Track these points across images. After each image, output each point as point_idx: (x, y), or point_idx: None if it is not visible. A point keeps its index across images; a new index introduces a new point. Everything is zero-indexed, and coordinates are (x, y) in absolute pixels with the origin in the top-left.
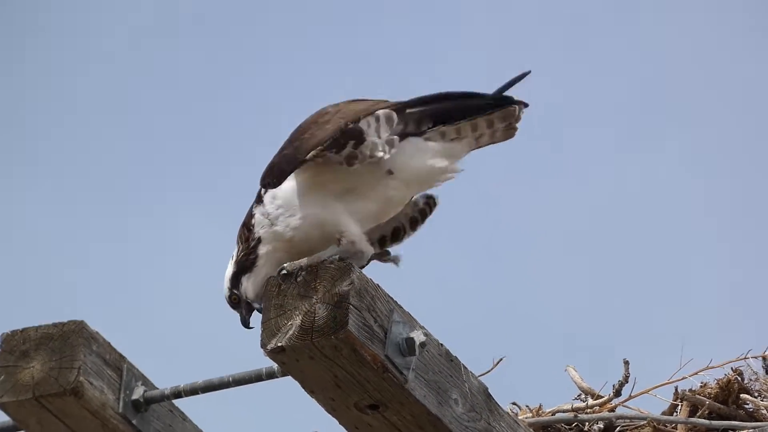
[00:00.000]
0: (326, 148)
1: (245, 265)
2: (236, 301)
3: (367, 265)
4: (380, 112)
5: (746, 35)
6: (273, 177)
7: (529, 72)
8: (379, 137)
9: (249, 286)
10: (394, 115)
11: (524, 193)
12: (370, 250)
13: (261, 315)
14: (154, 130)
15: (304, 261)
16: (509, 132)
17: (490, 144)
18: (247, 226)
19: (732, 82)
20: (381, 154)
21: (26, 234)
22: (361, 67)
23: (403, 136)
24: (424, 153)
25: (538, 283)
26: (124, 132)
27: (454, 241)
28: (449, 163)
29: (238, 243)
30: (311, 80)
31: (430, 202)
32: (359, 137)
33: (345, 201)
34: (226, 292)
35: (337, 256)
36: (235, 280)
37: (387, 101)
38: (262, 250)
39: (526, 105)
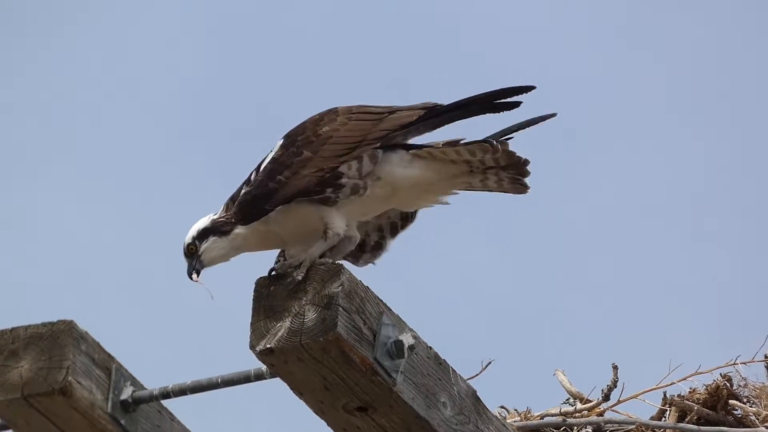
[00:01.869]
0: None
1: (220, 229)
2: (192, 251)
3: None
4: (365, 155)
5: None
6: (243, 216)
7: (555, 114)
8: (361, 177)
9: (211, 246)
10: (380, 153)
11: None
12: (357, 235)
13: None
14: None
15: (294, 261)
16: (518, 186)
17: (499, 191)
18: (234, 200)
19: None
20: (362, 191)
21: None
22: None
23: (393, 147)
24: (410, 167)
25: (528, 286)
26: None
27: (443, 244)
28: (436, 179)
29: (222, 209)
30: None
31: (408, 215)
32: (336, 182)
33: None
34: (188, 239)
35: (330, 260)
36: (203, 234)
37: (389, 113)
38: (239, 230)
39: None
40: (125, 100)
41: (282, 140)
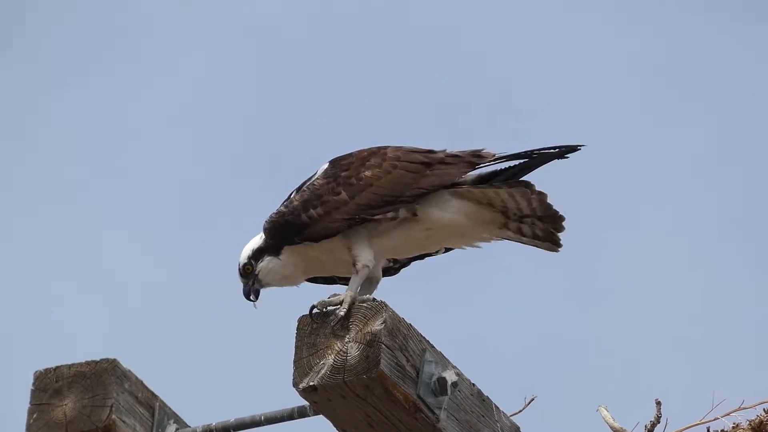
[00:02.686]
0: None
1: (271, 248)
2: (249, 271)
3: None
4: (402, 208)
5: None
6: (271, 237)
7: (580, 147)
8: (396, 217)
9: (267, 266)
10: (415, 207)
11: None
12: (380, 277)
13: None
14: None
15: (334, 298)
16: (552, 240)
17: (533, 243)
18: None
19: None
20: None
21: None
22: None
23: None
24: (450, 208)
25: (571, 321)
26: None
27: (488, 278)
28: (471, 224)
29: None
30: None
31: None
32: (370, 221)
33: (368, 228)
34: (244, 260)
35: (371, 296)
36: (258, 254)
37: (436, 164)
38: (284, 254)
39: (574, 149)
40: (179, 139)
41: (327, 165)
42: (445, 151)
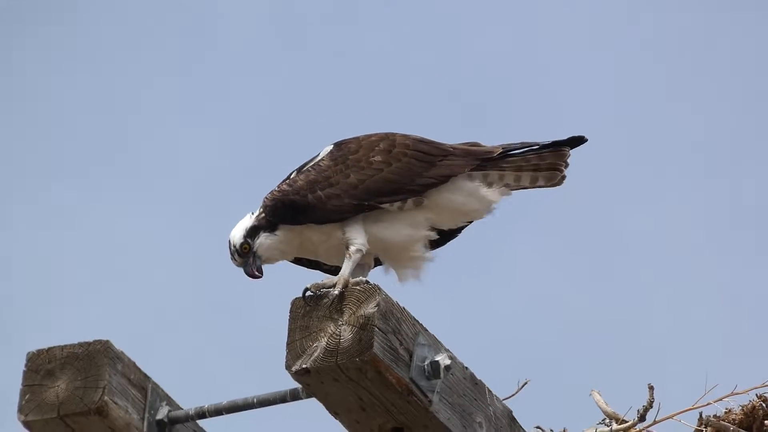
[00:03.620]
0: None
1: (266, 225)
2: (246, 250)
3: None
4: (410, 198)
5: None
6: (273, 214)
7: (586, 140)
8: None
9: (264, 242)
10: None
11: None
12: (371, 264)
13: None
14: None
15: (327, 281)
16: (554, 174)
17: (534, 188)
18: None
19: None
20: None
21: None
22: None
23: None
24: (456, 190)
25: (563, 306)
26: None
27: (470, 265)
28: (480, 205)
29: (260, 210)
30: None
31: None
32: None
33: (370, 217)
34: (239, 239)
35: (363, 278)
36: (253, 232)
37: (443, 158)
38: (280, 230)
39: (581, 142)
40: (213, 138)
41: (332, 148)
42: (449, 144)
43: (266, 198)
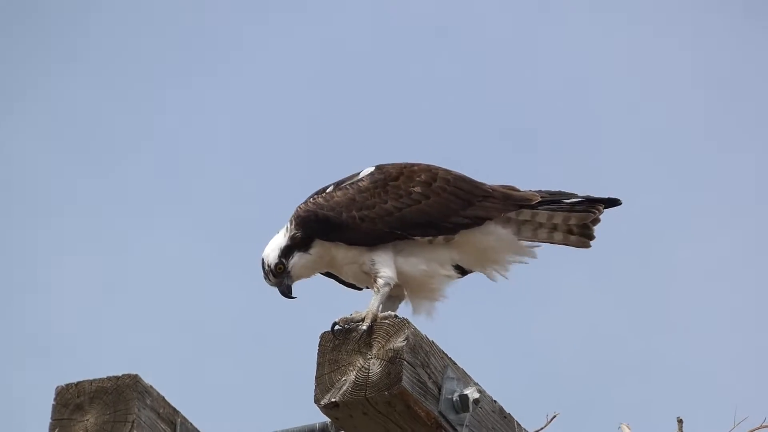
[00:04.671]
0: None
1: (300, 243)
2: (281, 270)
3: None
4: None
5: None
6: (304, 226)
7: (620, 203)
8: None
9: (298, 261)
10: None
11: None
12: (403, 296)
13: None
14: None
15: (355, 315)
16: (584, 241)
17: (563, 244)
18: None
19: None
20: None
21: None
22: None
23: None
24: (491, 236)
25: (591, 340)
26: None
27: (511, 289)
28: (507, 252)
29: (291, 224)
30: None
31: None
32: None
33: (397, 247)
34: (274, 259)
35: (392, 312)
36: (287, 252)
37: (482, 198)
38: (314, 247)
39: (616, 204)
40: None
41: (373, 171)
42: (488, 185)
43: (299, 209)
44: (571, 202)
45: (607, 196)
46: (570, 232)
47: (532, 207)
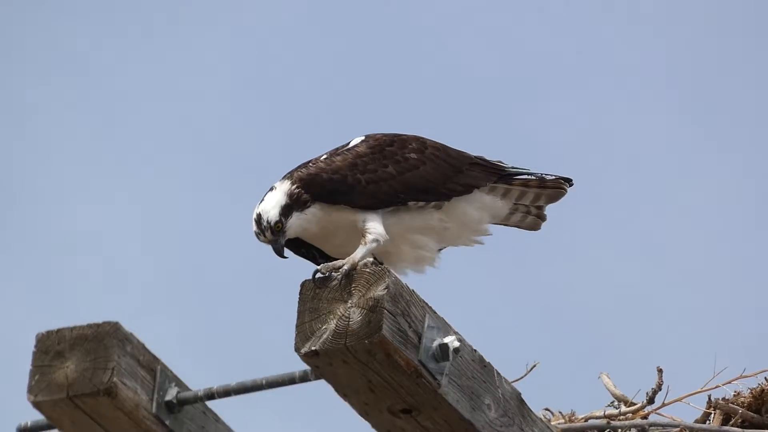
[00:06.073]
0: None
1: (298, 202)
2: (279, 228)
3: None
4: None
5: None
6: (312, 190)
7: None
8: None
9: (295, 222)
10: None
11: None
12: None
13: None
14: None
15: (337, 263)
16: (537, 222)
17: (516, 226)
18: (299, 176)
19: None
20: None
21: None
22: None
23: None
24: (474, 202)
25: (573, 290)
26: None
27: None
28: (489, 218)
29: (289, 180)
30: None
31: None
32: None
33: (390, 212)
34: (275, 217)
35: (371, 260)
36: (287, 210)
37: (468, 166)
38: (315, 208)
39: (571, 184)
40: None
41: (363, 139)
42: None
43: (301, 172)
44: (539, 178)
45: (559, 175)
46: (528, 212)
47: (507, 178)
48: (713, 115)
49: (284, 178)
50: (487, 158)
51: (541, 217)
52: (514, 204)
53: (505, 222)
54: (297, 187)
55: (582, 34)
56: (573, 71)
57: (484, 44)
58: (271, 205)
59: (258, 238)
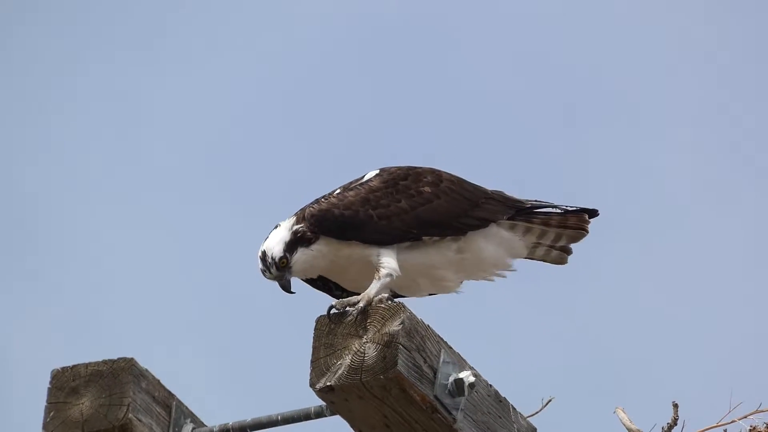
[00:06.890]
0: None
1: (303, 239)
2: (284, 265)
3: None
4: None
5: None
6: (321, 227)
7: (597, 214)
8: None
9: (300, 258)
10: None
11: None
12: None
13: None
14: None
15: (352, 299)
16: (563, 257)
17: (541, 260)
18: (310, 214)
19: None
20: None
21: None
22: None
23: None
24: (491, 237)
25: (588, 323)
26: None
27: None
28: (507, 254)
29: (295, 218)
30: None
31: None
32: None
33: (404, 246)
34: (279, 253)
35: (386, 295)
36: (291, 246)
37: (484, 200)
38: (321, 244)
39: (596, 214)
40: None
41: (377, 173)
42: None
43: (312, 209)
44: (560, 213)
45: (582, 207)
46: (552, 247)
47: (527, 212)
48: (745, 141)
49: (292, 216)
50: (506, 193)
51: (567, 251)
52: (535, 242)
53: (530, 256)
54: (306, 224)
55: (616, 62)
56: (605, 99)
57: (512, 67)
58: (275, 242)
59: (264, 275)
